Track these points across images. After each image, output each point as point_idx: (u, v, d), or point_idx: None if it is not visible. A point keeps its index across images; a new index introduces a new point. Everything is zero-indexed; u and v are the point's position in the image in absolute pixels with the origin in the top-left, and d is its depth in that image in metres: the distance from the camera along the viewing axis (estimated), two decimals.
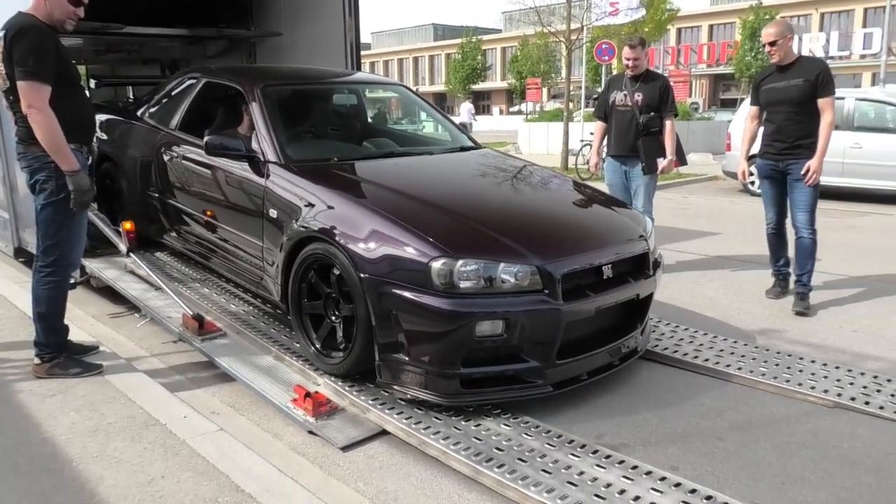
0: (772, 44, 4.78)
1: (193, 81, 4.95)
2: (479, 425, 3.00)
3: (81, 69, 11.52)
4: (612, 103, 5.48)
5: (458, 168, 4.38)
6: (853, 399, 3.35)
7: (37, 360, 3.62)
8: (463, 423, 3.02)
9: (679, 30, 48.12)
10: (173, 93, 5.14)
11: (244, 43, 7.58)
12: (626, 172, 5.49)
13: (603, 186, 5.34)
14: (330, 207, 3.39)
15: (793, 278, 5.02)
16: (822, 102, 4.78)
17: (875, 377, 3.61)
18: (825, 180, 11.09)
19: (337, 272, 3.28)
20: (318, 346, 3.48)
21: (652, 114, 5.33)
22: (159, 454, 2.85)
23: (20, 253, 5.36)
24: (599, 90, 19.66)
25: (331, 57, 6.32)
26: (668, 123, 5.40)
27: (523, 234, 3.26)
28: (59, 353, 3.64)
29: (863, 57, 40.23)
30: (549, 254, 3.12)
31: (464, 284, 2.95)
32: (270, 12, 7.16)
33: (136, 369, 3.74)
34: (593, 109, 6.17)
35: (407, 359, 3.05)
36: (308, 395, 3.15)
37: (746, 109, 11.58)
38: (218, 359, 3.68)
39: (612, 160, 5.56)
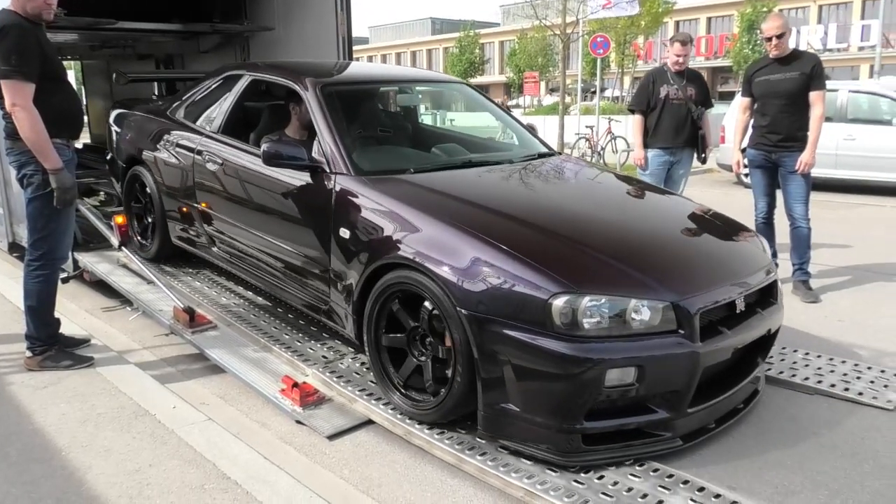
0: (779, 36, 4.83)
1: (237, 79, 4.45)
2: (462, 415, 3.03)
3: (75, 64, 11.55)
4: (666, 97, 5.51)
5: (552, 182, 3.89)
6: (833, 386, 3.40)
7: (28, 354, 3.67)
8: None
9: (677, 23, 48.02)
10: (213, 91, 4.64)
11: (237, 38, 7.60)
12: (671, 163, 5.59)
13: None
14: (416, 229, 2.94)
15: (789, 269, 5.07)
16: (813, 95, 4.86)
17: (856, 365, 3.66)
18: (819, 172, 11.15)
19: (429, 306, 2.84)
20: (399, 385, 3.03)
21: (701, 108, 5.50)
22: (148, 444, 2.90)
23: (14, 248, 5.40)
24: (596, 84, 19.70)
25: (324, 51, 6.34)
26: (706, 117, 5.62)
27: (650, 263, 2.82)
28: (50, 346, 3.68)
29: (861, 49, 40.21)
30: (683, 287, 2.69)
31: (589, 325, 2.52)
32: (263, 7, 7.18)
33: (127, 362, 3.79)
34: (630, 102, 6.04)
35: (518, 410, 2.60)
36: (296, 385, 3.20)
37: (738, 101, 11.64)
38: (208, 351, 3.72)
39: (660, 152, 5.57)
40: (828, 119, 10.05)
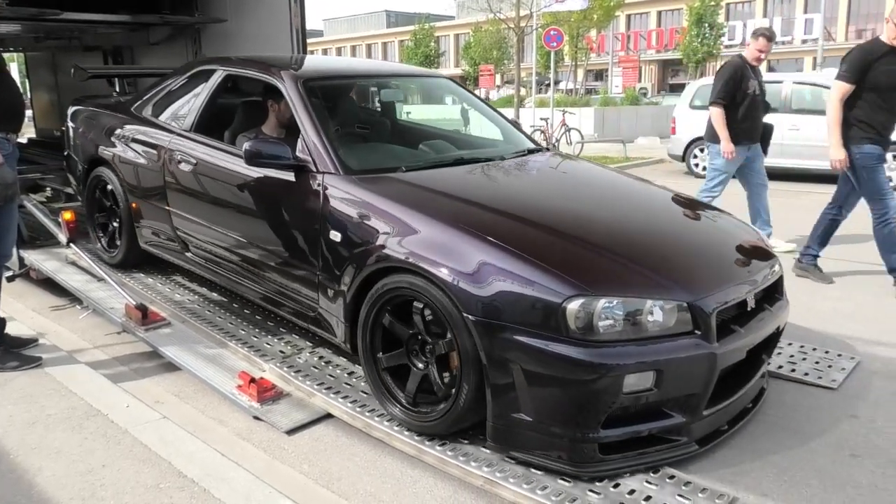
0: None
1: (209, 74, 4.22)
2: None
3: (18, 56, 11.14)
4: (753, 92, 5.52)
5: (550, 179, 3.77)
6: (780, 367, 3.52)
7: None
8: None
9: (629, 16, 48.72)
10: (184, 87, 4.41)
11: (188, 30, 7.45)
12: (748, 158, 5.74)
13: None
14: (415, 231, 2.79)
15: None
16: None
17: (801, 346, 3.80)
18: (766, 162, 11.45)
19: (428, 313, 2.71)
20: (405, 403, 2.86)
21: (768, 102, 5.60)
22: (100, 444, 2.84)
23: None
24: (550, 76, 19.85)
25: (277, 44, 6.26)
26: None
27: (662, 262, 2.72)
28: None
29: (804, 42, 41.43)
30: (697, 286, 2.60)
31: (605, 329, 2.41)
32: None
33: (77, 361, 3.70)
34: (719, 95, 5.67)
35: (530, 420, 2.48)
36: (253, 380, 3.16)
37: (691, 93, 11.86)
38: (162, 348, 3.66)
39: (743, 148, 5.62)
40: (773, 110, 10.46)
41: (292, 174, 3.30)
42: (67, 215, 4.67)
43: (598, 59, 43.87)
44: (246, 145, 3.25)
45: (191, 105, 4.20)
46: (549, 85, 21.34)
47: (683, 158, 11.52)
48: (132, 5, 6.95)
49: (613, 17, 34.63)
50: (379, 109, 4.68)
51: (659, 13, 49.45)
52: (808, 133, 10.11)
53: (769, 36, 5.58)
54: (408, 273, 2.74)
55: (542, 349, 2.40)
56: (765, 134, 5.77)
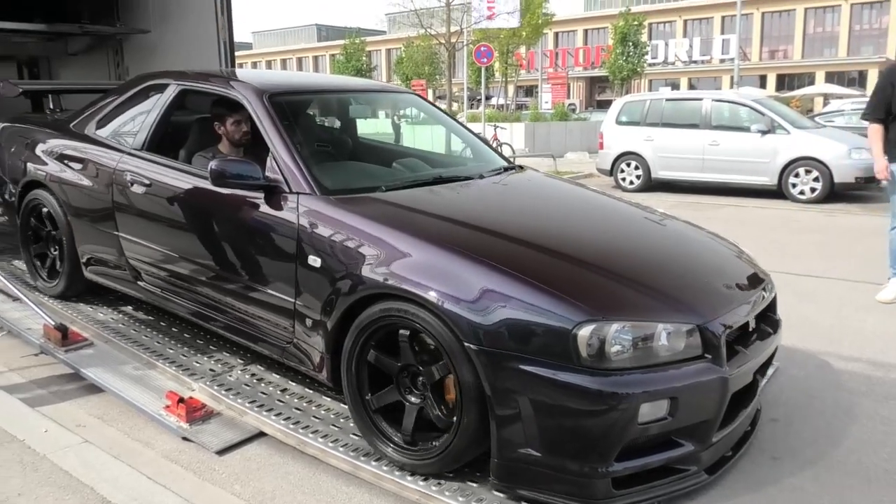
0: None
1: (161, 88, 3.94)
2: None
3: None
4: None
5: (537, 198, 3.60)
6: None
7: None
8: (342, 420, 3.03)
9: (556, 34, 49.99)
10: (132, 103, 4.10)
11: (110, 40, 7.23)
12: None
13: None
14: (405, 255, 2.63)
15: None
16: None
17: None
18: (687, 175, 11.87)
19: (421, 342, 2.59)
20: (399, 442, 2.67)
21: None
22: (16, 471, 2.70)
23: None
24: (482, 92, 20.12)
25: (204, 56, 6.15)
26: None
27: (669, 284, 2.63)
28: None
29: (722, 61, 43.37)
30: (706, 308, 2.52)
31: (617, 355, 2.30)
32: (137, 8, 6.86)
33: None
34: (866, 110, 5.16)
35: (539, 455, 2.34)
36: (181, 400, 3.07)
37: (617, 109, 12.21)
38: (84, 370, 3.51)
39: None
40: (694, 126, 10.95)
41: (262, 195, 3.09)
42: None
43: (527, 75, 44.74)
44: (212, 164, 3.05)
45: (142, 122, 3.90)
46: (480, 100, 21.64)
47: (611, 172, 11.86)
48: (49, 13, 6.69)
49: (542, 35, 35.41)
50: (338, 126, 4.48)
51: (586, 31, 50.96)
52: (726, 147, 10.58)
53: None
54: (398, 300, 2.57)
55: (552, 379, 2.28)
56: None
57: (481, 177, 3.67)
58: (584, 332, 2.27)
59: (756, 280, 2.95)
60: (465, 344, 2.38)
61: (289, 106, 3.52)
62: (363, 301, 2.68)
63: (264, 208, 3.07)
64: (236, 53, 6.45)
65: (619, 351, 2.30)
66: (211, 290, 3.45)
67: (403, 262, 2.61)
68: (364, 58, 53.53)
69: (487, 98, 21.69)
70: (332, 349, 2.82)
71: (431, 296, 2.45)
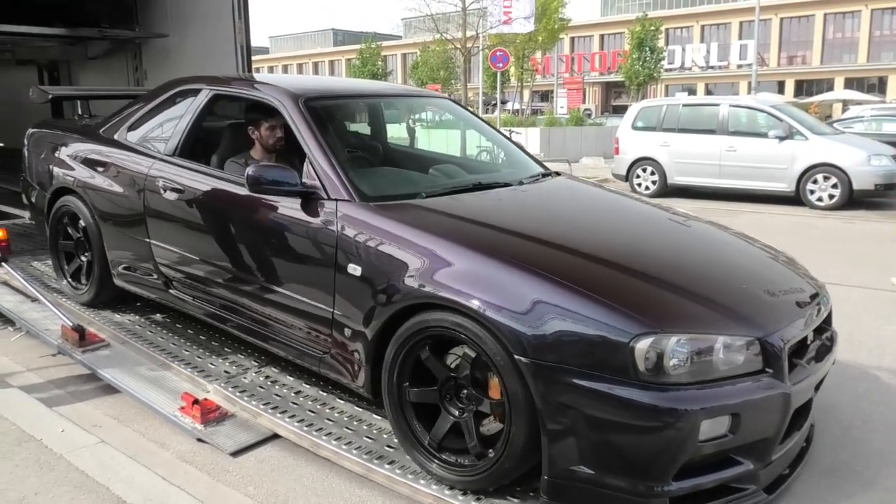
0: None
1: (194, 94, 3.86)
2: (370, 425, 3.02)
3: None
4: None
5: (581, 206, 3.52)
6: None
7: None
8: (355, 423, 3.03)
9: (572, 39, 49.94)
10: (164, 108, 4.04)
11: (129, 44, 7.30)
12: None
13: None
14: (449, 263, 2.55)
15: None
16: None
17: None
18: (704, 181, 11.77)
19: (464, 353, 2.51)
20: (432, 449, 2.60)
21: None
22: (33, 470, 2.72)
23: None
24: (497, 97, 20.14)
25: (221, 60, 6.19)
26: None
27: (727, 295, 2.55)
28: None
29: (739, 67, 43.13)
30: (766, 320, 2.44)
31: (675, 369, 2.22)
32: (156, 13, 6.93)
33: (9, 385, 3.55)
34: None
35: (592, 473, 2.27)
36: (196, 401, 3.09)
37: (633, 114, 12.20)
38: (101, 370, 3.54)
39: None
40: (711, 132, 10.89)
41: (299, 202, 3.03)
42: None
43: (543, 80, 44.74)
44: (248, 170, 3.00)
45: (174, 127, 3.83)
46: (495, 105, 21.64)
47: (627, 178, 11.81)
48: (69, 18, 6.77)
49: (558, 40, 35.39)
50: (370, 131, 4.39)
51: (602, 36, 50.86)
52: (743, 153, 10.50)
53: None
54: (443, 310, 2.50)
55: (607, 393, 2.20)
56: None
57: (520, 183, 3.57)
58: (642, 345, 2.20)
59: (812, 292, 2.83)
60: (516, 357, 2.30)
61: (324, 111, 3.47)
62: (406, 311, 2.61)
63: (301, 215, 3.01)
64: (253, 58, 6.48)
65: (678, 364, 2.22)
66: (245, 298, 3.36)
67: (448, 272, 2.54)
68: (379, 62, 53.76)
69: (503, 103, 21.71)
70: (373, 360, 2.75)
71: (478, 306, 2.38)
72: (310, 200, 3.00)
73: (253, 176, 2.97)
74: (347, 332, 2.84)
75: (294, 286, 3.08)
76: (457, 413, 2.57)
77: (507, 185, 3.52)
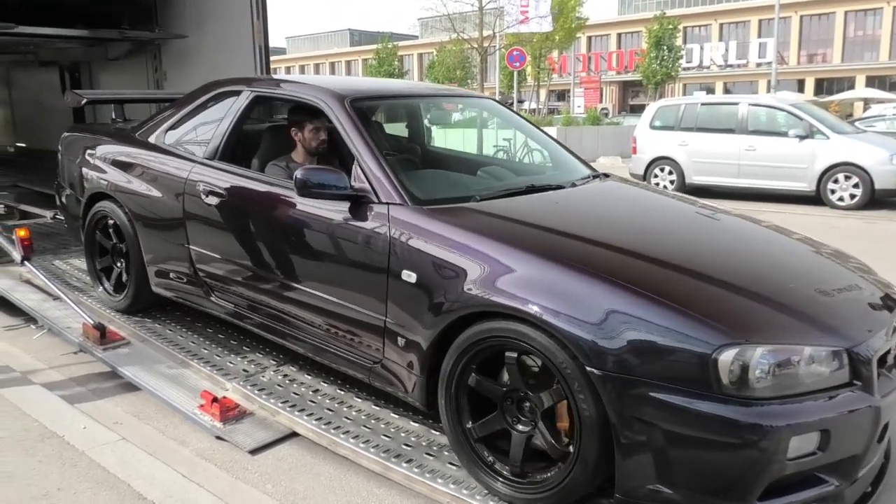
0: None
1: (234, 95, 3.75)
2: (388, 423, 3.03)
3: None
4: None
5: (640, 209, 3.36)
6: None
7: None
8: (373, 421, 3.03)
9: (589, 38, 49.75)
10: (203, 111, 3.94)
11: (149, 45, 7.38)
12: None
13: None
14: (510, 269, 2.44)
15: None
16: None
17: None
18: (723, 181, 11.67)
19: (533, 363, 2.41)
20: (508, 475, 2.47)
21: None
22: (56, 467, 2.75)
23: None
24: (514, 96, 20.09)
25: (240, 60, 6.23)
26: None
27: (809, 303, 2.42)
28: None
29: (758, 65, 42.73)
30: (853, 330, 2.31)
31: (760, 382, 2.10)
32: (175, 14, 6.99)
33: (32, 382, 3.59)
34: None
35: (670, 492, 2.15)
36: (215, 399, 3.11)
37: (651, 114, 12.13)
38: (121, 368, 3.57)
39: None
40: (730, 131, 10.79)
41: (347, 206, 2.93)
42: (22, 232, 4.55)
43: (560, 79, 44.59)
44: (297, 173, 2.89)
45: (213, 130, 3.73)
46: (512, 104, 21.61)
47: (645, 177, 11.75)
48: (90, 20, 6.85)
49: (575, 39, 35.27)
50: (413, 133, 4.30)
51: (619, 35, 50.60)
52: (763, 153, 10.40)
53: None
54: (505, 318, 2.39)
55: (687, 408, 2.09)
56: None
57: (573, 185, 3.45)
58: (726, 356, 2.08)
59: (891, 301, 2.67)
60: (588, 369, 2.19)
61: (370, 111, 3.37)
62: (464, 319, 2.50)
63: (350, 219, 2.91)
64: (270, 58, 6.52)
65: (762, 377, 2.10)
66: (290, 305, 3.26)
67: (512, 278, 2.42)
68: (396, 62, 53.89)
69: (519, 102, 21.66)
70: (428, 371, 2.65)
71: (543, 314, 2.27)
72: (359, 204, 2.90)
73: (301, 179, 2.87)
74: (401, 341, 2.73)
75: (343, 293, 2.97)
76: (522, 428, 2.45)
77: (559, 187, 3.41)
